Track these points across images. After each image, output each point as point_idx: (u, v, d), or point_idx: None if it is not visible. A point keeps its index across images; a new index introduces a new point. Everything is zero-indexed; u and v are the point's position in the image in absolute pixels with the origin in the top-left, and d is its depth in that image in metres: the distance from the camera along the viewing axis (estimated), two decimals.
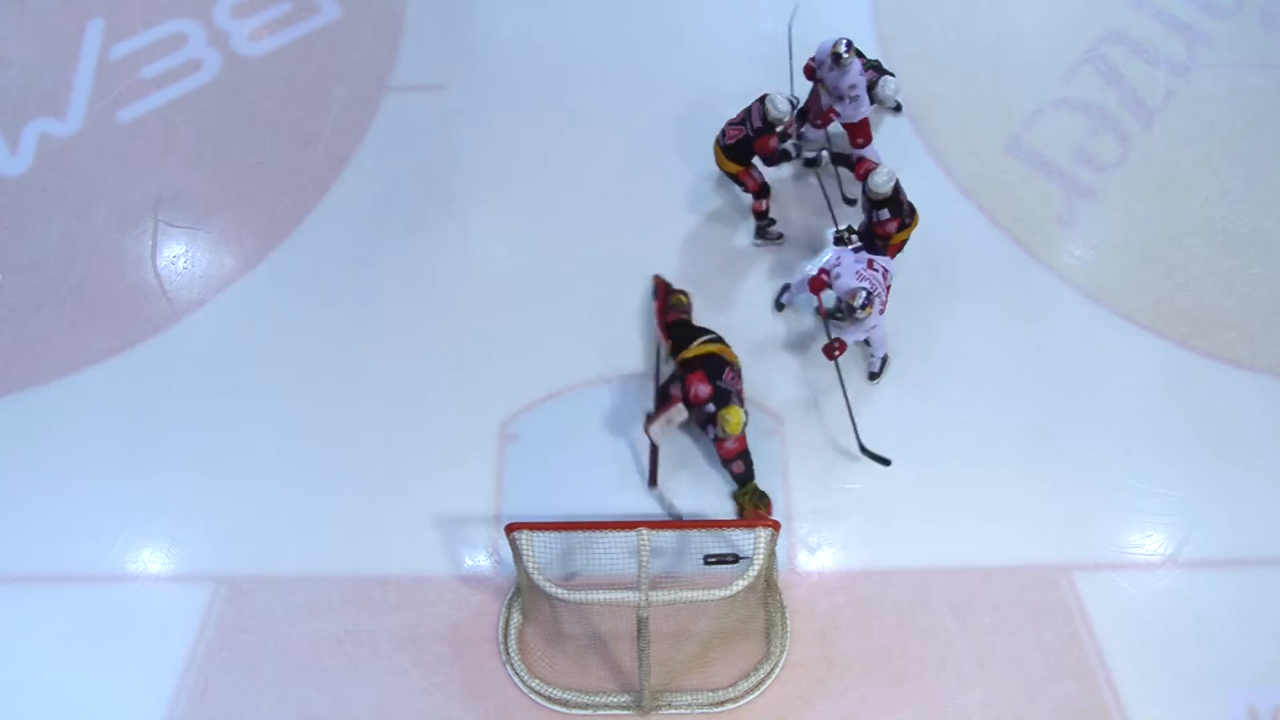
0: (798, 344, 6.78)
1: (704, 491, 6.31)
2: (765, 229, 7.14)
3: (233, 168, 7.58)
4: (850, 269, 6.06)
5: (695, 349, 6.13)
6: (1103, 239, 7.18)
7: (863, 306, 5.88)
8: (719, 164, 6.88)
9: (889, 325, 6.39)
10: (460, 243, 7.24)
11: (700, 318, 6.67)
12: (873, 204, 6.33)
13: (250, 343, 6.86)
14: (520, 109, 7.75)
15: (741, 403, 6.03)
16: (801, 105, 7.10)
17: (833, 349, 6.16)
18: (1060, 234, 7.20)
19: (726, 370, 6.05)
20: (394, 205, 7.36)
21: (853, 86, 6.79)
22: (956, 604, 5.99)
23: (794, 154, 6.82)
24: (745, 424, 5.94)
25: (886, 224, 6.35)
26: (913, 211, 6.49)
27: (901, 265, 6.62)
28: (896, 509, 6.26)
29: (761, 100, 6.57)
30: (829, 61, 6.75)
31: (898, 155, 7.36)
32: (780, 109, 6.48)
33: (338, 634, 5.95)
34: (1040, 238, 7.17)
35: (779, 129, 6.57)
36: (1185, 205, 7.30)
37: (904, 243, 6.61)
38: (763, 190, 6.94)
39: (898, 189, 6.29)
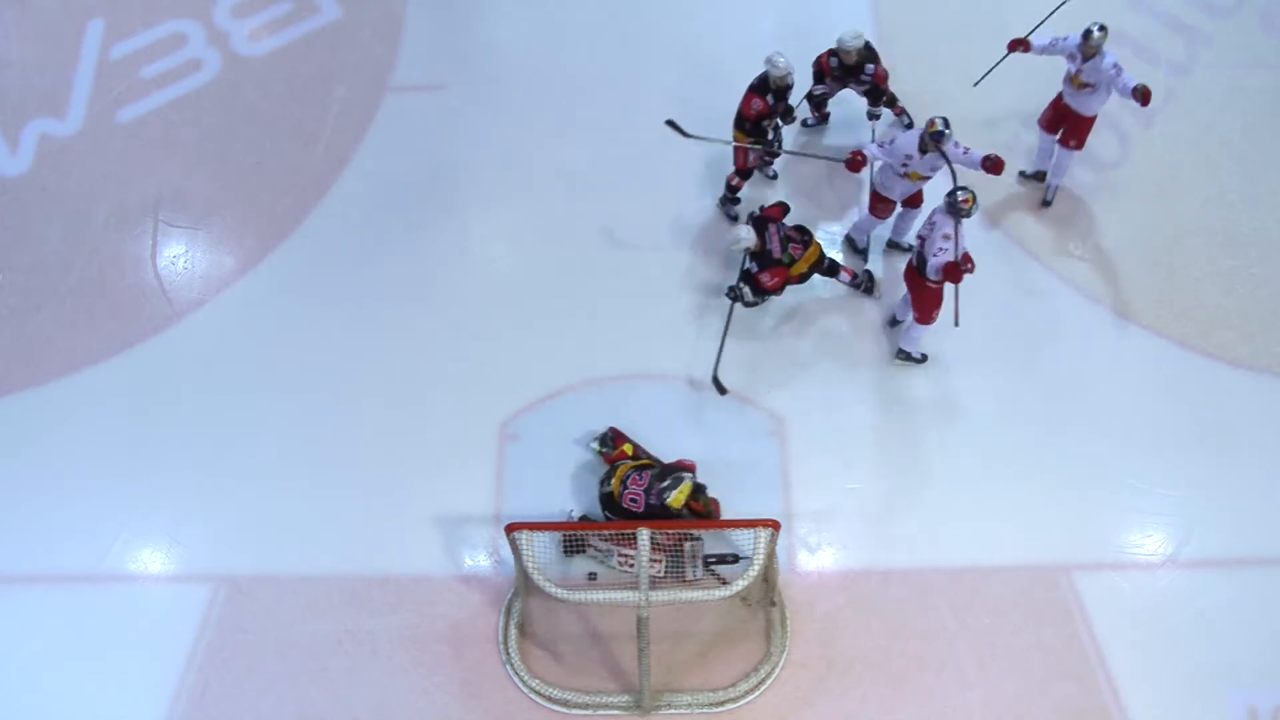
0: (798, 342, 6.79)
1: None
2: (727, 201, 7.21)
3: (233, 168, 7.58)
4: (935, 227, 5.98)
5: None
6: (1103, 239, 7.18)
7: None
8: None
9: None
10: (460, 243, 7.24)
11: (700, 317, 6.71)
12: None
13: (250, 343, 6.86)
14: (520, 109, 7.75)
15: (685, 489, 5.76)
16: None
17: (960, 267, 5.86)
18: (1060, 234, 7.20)
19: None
20: (394, 205, 7.36)
21: (957, 145, 6.17)
22: (956, 604, 5.98)
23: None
24: (687, 496, 5.72)
25: (758, 275, 6.42)
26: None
27: (900, 265, 6.67)
28: (897, 509, 6.26)
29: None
30: (917, 155, 6.20)
31: None
32: (779, 66, 6.44)
33: (338, 634, 5.95)
34: (1040, 238, 7.16)
35: (773, 89, 6.52)
36: (1185, 205, 7.29)
37: (804, 273, 6.63)
38: (744, 173, 6.99)
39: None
